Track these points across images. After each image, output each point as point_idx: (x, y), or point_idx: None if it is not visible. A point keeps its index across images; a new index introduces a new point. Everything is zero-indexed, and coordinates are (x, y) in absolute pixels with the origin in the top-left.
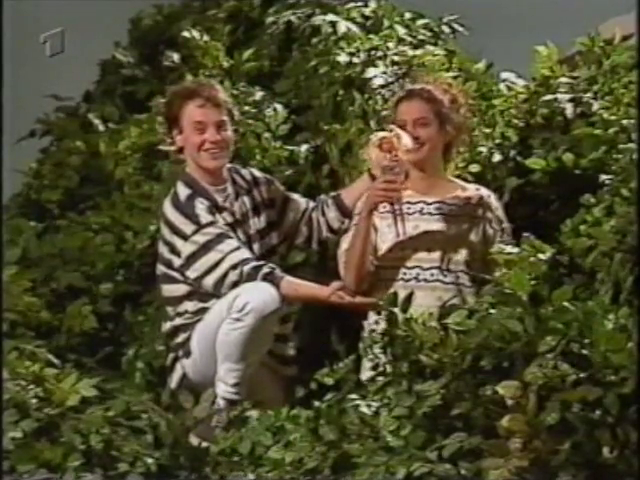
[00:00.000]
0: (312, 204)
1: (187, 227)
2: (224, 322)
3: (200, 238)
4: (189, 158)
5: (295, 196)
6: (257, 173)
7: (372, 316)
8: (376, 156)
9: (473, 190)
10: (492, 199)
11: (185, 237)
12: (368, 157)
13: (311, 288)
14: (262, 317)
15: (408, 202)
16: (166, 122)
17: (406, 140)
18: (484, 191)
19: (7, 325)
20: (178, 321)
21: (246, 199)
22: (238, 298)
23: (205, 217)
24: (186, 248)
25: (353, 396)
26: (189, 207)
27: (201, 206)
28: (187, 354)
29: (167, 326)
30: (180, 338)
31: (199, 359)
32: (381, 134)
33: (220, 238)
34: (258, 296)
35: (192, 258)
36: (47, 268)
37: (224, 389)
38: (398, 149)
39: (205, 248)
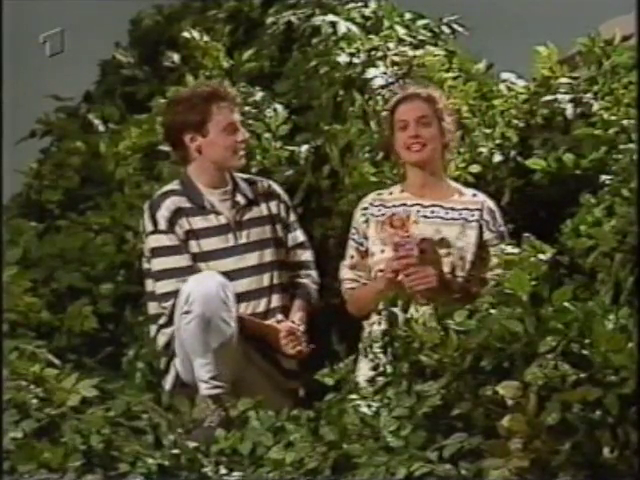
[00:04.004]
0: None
1: (147, 225)
2: (179, 320)
3: (153, 241)
4: (205, 161)
5: (297, 233)
6: (276, 187)
7: (373, 315)
8: (388, 233)
9: (470, 195)
10: (489, 203)
11: (145, 234)
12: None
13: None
14: (208, 301)
15: (404, 204)
16: (177, 127)
17: (415, 216)
18: (481, 196)
19: (7, 325)
20: (164, 318)
21: (248, 207)
22: (183, 294)
23: (162, 223)
24: (145, 244)
25: (353, 396)
26: (155, 207)
27: (164, 212)
28: (174, 353)
29: (153, 311)
30: (166, 336)
31: (183, 359)
32: (391, 212)
33: (166, 250)
34: (199, 284)
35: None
36: (48, 268)
37: (204, 387)
38: (409, 225)
39: (154, 252)
